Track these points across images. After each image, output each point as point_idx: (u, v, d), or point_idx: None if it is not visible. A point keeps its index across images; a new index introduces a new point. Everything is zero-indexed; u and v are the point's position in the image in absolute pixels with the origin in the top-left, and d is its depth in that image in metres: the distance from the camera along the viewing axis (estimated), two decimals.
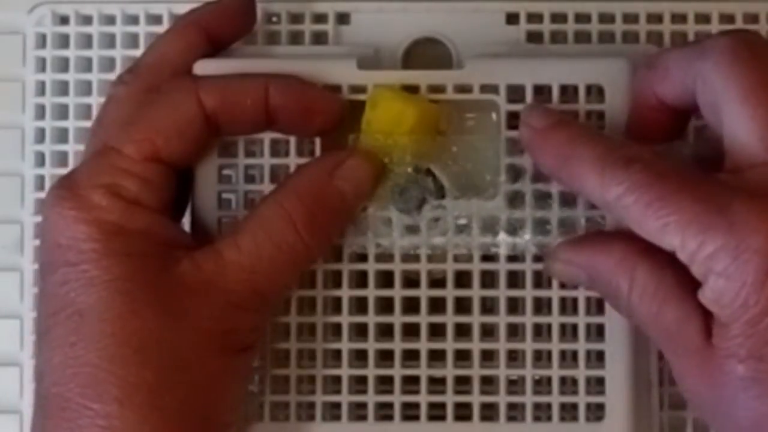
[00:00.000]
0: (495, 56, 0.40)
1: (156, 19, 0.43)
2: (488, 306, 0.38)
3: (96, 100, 0.42)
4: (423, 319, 0.38)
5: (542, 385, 0.38)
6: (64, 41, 0.43)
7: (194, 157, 0.38)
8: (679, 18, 0.42)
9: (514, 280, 0.38)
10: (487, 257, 0.38)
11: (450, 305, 0.38)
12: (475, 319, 0.38)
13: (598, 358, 0.38)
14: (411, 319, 0.38)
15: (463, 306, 0.38)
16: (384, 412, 0.38)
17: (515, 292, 0.38)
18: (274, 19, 0.42)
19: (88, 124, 0.41)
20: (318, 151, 0.38)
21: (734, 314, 0.32)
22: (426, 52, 0.42)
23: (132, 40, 0.43)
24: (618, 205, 0.34)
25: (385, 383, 0.38)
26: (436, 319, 0.38)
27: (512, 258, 0.38)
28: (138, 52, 0.41)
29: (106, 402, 0.34)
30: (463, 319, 0.38)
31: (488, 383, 0.38)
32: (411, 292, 0.38)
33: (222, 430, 0.36)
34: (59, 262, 0.35)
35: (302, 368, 0.38)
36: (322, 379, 0.38)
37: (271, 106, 0.37)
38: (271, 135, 0.38)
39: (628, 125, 0.38)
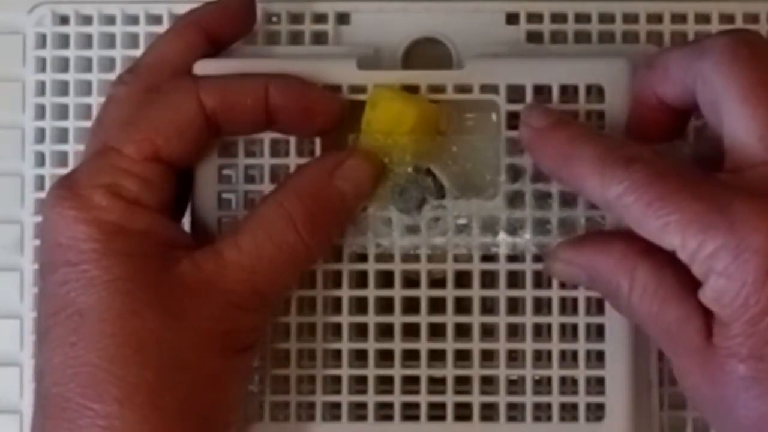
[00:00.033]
0: (495, 56, 0.40)
1: (156, 19, 0.43)
2: (488, 306, 0.38)
3: (96, 100, 0.42)
4: (423, 319, 0.38)
5: (542, 385, 0.38)
6: (64, 41, 0.43)
7: (194, 157, 0.38)
8: (679, 18, 0.42)
9: (514, 280, 0.38)
10: (487, 257, 0.38)
11: (450, 305, 0.38)
12: (475, 319, 0.38)
13: (598, 358, 0.38)
14: (411, 319, 0.38)
15: (463, 306, 0.38)
16: (384, 412, 0.38)
17: (515, 292, 0.38)
18: (274, 19, 0.42)
19: (88, 124, 0.41)
20: (318, 151, 0.38)
21: (735, 314, 0.32)
22: (426, 52, 0.42)
23: (132, 40, 0.43)
24: (618, 204, 0.34)
25: (385, 383, 0.38)
26: (436, 319, 0.38)
27: (512, 258, 0.38)
28: (138, 52, 0.41)
29: (106, 402, 0.34)
30: (463, 319, 0.38)
31: (488, 383, 0.38)
32: (411, 292, 0.38)
33: (222, 430, 0.36)
34: (59, 262, 0.35)
35: (302, 368, 0.38)
36: (322, 379, 0.38)
37: (271, 106, 0.37)
38: (271, 135, 0.38)
39: (628, 125, 0.38)
